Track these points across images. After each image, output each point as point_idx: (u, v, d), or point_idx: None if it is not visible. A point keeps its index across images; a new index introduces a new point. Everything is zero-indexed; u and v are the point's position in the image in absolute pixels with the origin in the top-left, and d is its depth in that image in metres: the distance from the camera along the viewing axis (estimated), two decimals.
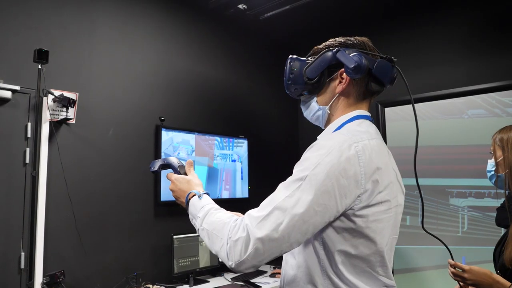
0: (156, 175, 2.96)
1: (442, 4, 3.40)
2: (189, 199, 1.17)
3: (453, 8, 3.36)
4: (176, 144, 3.11)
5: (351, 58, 1.09)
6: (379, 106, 3.64)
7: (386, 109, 3.65)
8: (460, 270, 1.49)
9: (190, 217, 1.14)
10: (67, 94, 2.44)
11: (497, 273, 1.46)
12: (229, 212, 1.11)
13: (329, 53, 1.14)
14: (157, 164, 1.31)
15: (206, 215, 1.08)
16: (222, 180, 3.51)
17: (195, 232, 2.96)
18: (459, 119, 3.30)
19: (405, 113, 3.52)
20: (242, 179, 3.68)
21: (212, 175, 3.42)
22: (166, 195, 2.98)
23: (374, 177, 1.01)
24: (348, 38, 1.18)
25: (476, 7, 3.25)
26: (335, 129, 1.14)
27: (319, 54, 1.17)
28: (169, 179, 1.27)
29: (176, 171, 1.28)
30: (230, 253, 0.96)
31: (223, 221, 1.03)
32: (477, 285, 1.45)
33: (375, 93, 1.17)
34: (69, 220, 2.48)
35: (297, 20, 3.75)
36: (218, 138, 3.48)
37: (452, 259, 1.50)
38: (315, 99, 1.20)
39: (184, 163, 1.31)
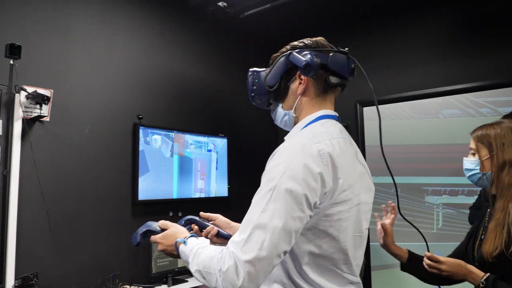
0: (134, 178, 2.92)
1: (421, 5, 3.46)
2: (178, 249, 1.15)
3: (431, 10, 3.42)
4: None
5: (301, 58, 1.12)
6: (358, 105, 3.68)
7: (365, 108, 3.69)
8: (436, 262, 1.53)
9: (186, 264, 1.12)
10: (41, 90, 2.38)
11: (475, 266, 1.49)
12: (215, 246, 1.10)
13: (283, 58, 1.18)
14: (138, 236, 1.32)
15: (194, 256, 1.06)
16: (198, 171, 3.45)
17: None
18: (434, 118, 3.36)
19: (383, 112, 3.57)
20: (217, 169, 3.63)
21: (184, 165, 3.34)
22: (144, 194, 2.94)
23: (337, 175, 1.03)
24: (301, 40, 1.22)
25: (454, 10, 3.32)
26: (300, 129, 1.16)
27: (274, 62, 1.21)
28: (155, 242, 1.27)
29: (157, 232, 1.29)
30: (225, 284, 0.95)
31: (210, 256, 1.01)
32: (452, 275, 1.49)
33: (336, 86, 1.20)
34: (42, 220, 2.42)
35: (278, 19, 3.75)
36: (197, 137, 3.45)
37: (428, 251, 1.54)
38: (280, 105, 1.24)
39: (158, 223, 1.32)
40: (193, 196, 3.36)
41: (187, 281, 2.97)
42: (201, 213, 1.46)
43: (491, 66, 3.10)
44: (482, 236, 1.53)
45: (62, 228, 2.52)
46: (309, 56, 1.12)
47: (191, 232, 1.38)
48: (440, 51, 3.36)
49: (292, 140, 1.08)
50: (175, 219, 3.36)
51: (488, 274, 1.42)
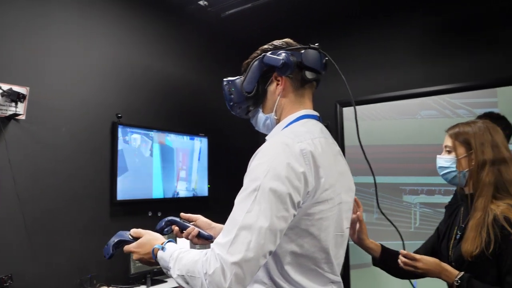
0: (113, 178, 2.88)
1: (400, 8, 3.51)
2: (156, 256, 1.12)
3: (411, 12, 3.48)
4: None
5: (277, 58, 1.14)
6: (338, 105, 3.72)
7: (344, 109, 3.73)
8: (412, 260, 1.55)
9: (165, 271, 1.09)
10: (16, 88, 2.32)
11: (451, 265, 1.52)
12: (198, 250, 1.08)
13: (257, 62, 1.19)
14: (110, 247, 1.28)
15: (176, 261, 1.03)
16: (180, 161, 3.41)
17: None
18: (413, 119, 3.42)
19: (362, 112, 3.61)
20: (199, 160, 3.60)
21: (165, 157, 3.29)
22: (122, 194, 2.90)
23: (319, 175, 1.04)
24: (270, 43, 1.23)
25: (432, 13, 3.38)
26: (281, 129, 1.17)
27: (249, 67, 1.21)
28: (128, 252, 1.23)
29: (130, 241, 1.24)
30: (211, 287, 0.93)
31: (194, 260, 0.99)
32: (427, 273, 1.51)
33: (312, 81, 1.21)
34: (17, 221, 2.36)
35: (259, 19, 3.76)
36: (178, 136, 3.42)
37: (404, 250, 1.56)
38: (260, 110, 1.24)
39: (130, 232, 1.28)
40: (172, 196, 3.33)
41: (166, 281, 2.95)
42: (182, 214, 1.44)
43: (467, 68, 3.17)
44: (458, 236, 1.55)
45: (38, 228, 2.46)
46: (284, 55, 1.13)
47: (171, 233, 1.37)
48: (419, 53, 3.42)
49: (274, 139, 1.08)
50: (154, 219, 3.33)
51: (463, 272, 1.44)
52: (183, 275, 1.00)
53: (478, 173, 1.49)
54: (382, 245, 1.72)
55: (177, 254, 1.05)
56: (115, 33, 3.05)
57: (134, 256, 1.20)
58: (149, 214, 3.17)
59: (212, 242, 1.38)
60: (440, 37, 3.33)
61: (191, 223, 1.42)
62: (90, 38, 2.86)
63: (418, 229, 3.31)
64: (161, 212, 3.24)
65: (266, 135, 1.24)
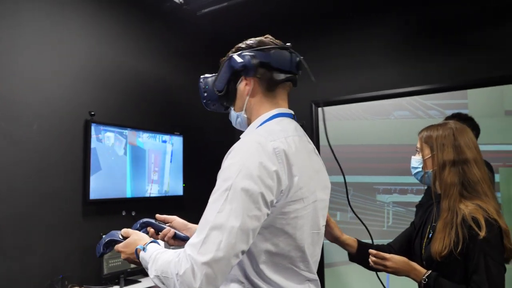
0: (85, 177, 2.82)
1: (375, 9, 3.57)
2: (139, 257, 1.13)
3: (385, 14, 3.54)
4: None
5: (238, 60, 1.16)
6: (313, 105, 3.75)
7: (319, 109, 3.76)
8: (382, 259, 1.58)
9: (146, 271, 1.09)
10: None
11: (422, 264, 1.55)
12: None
13: (227, 62, 1.20)
14: (102, 246, 1.30)
15: (153, 262, 1.04)
16: (152, 163, 3.37)
17: None
18: (386, 119, 3.48)
19: (337, 113, 3.65)
20: (171, 162, 3.56)
21: (137, 158, 3.25)
22: (95, 193, 2.85)
23: (292, 173, 1.04)
24: (245, 41, 1.24)
25: (406, 15, 3.45)
26: (256, 127, 1.17)
27: (221, 65, 1.23)
28: (118, 251, 1.24)
29: (120, 241, 1.25)
30: None
31: (167, 260, 1.00)
32: (397, 272, 1.55)
33: (285, 82, 1.21)
34: None
35: (235, 18, 3.75)
36: (152, 135, 3.38)
37: (373, 249, 1.60)
38: (232, 108, 1.26)
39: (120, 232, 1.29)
40: (146, 195, 3.29)
41: (140, 281, 2.91)
42: (157, 215, 1.44)
43: (439, 70, 3.25)
44: (430, 235, 1.59)
45: (7, 229, 2.38)
46: (247, 57, 1.14)
47: (148, 235, 1.35)
48: (393, 55, 3.48)
49: (247, 138, 1.08)
50: (128, 219, 3.28)
51: (430, 271, 1.48)
52: (158, 276, 1.01)
53: (440, 173, 1.54)
54: (358, 240, 1.75)
55: (155, 255, 1.05)
56: (88, 29, 2.99)
57: (122, 256, 1.22)
58: (123, 214, 3.12)
59: (183, 240, 1.38)
60: (414, 39, 3.41)
61: (167, 225, 1.41)
62: (62, 35, 2.79)
63: (391, 227, 3.37)
64: (135, 212, 3.19)
65: (242, 132, 1.24)
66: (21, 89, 2.52)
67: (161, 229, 1.37)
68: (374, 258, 1.58)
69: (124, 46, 3.27)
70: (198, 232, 0.97)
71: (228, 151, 1.06)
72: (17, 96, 2.50)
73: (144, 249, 1.11)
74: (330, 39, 3.75)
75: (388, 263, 1.55)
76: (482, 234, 1.36)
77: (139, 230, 1.36)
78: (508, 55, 3.00)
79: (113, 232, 1.29)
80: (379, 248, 1.72)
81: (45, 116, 2.64)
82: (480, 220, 1.39)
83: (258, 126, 1.16)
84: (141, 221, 1.38)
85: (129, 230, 1.27)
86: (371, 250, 1.59)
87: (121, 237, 1.26)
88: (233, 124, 1.29)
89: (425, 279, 1.47)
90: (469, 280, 1.40)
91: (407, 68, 3.40)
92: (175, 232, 1.37)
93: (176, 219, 1.44)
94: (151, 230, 1.38)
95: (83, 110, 2.87)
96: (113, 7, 3.19)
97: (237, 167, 0.99)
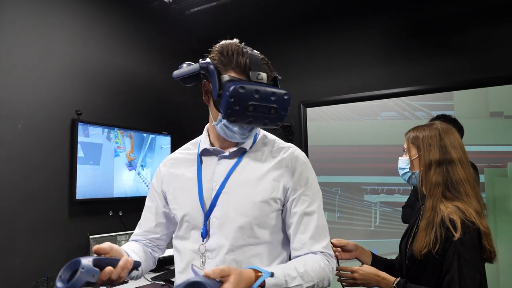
0: (72, 176, 2.79)
1: (361, 10, 3.59)
2: (265, 285, 1.04)
3: (371, 15, 3.56)
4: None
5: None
6: (301, 106, 3.76)
7: (308, 109, 3.77)
8: (349, 273, 1.58)
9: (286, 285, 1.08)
10: None
11: (405, 264, 1.57)
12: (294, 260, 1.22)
13: (279, 80, 1.33)
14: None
15: (302, 277, 1.13)
16: (136, 163, 3.38)
17: (113, 232, 2.85)
18: (373, 120, 3.51)
19: (325, 113, 3.67)
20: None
21: (124, 157, 3.28)
22: (82, 193, 2.82)
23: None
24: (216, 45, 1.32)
25: (393, 16, 3.47)
26: (263, 135, 1.42)
27: (278, 82, 1.34)
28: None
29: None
30: (332, 276, 1.25)
31: (318, 268, 1.18)
32: (367, 284, 1.55)
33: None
34: None
35: (223, 17, 3.74)
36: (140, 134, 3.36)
37: (338, 265, 1.59)
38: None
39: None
40: (134, 195, 3.26)
41: (126, 281, 2.88)
42: (94, 247, 1.09)
43: (426, 71, 3.28)
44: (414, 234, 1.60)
45: None
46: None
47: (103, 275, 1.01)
48: (380, 57, 3.50)
49: (297, 149, 1.34)
50: (115, 219, 3.25)
51: (399, 278, 1.50)
52: (314, 284, 1.16)
53: (426, 173, 1.55)
54: (373, 254, 1.76)
55: (298, 272, 1.12)
56: (75, 27, 2.95)
57: None
58: (110, 214, 3.09)
59: (137, 269, 1.16)
60: (401, 41, 3.44)
61: (107, 255, 1.09)
62: (48, 33, 2.75)
63: (378, 227, 3.40)
64: (122, 212, 3.17)
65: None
66: (6, 87, 2.49)
67: (116, 262, 1.05)
68: (341, 272, 1.60)
69: (111, 45, 3.24)
70: (324, 236, 1.26)
71: (301, 160, 1.29)
72: (2, 94, 2.46)
73: (272, 275, 1.04)
74: (317, 40, 3.76)
75: (356, 275, 1.56)
76: (457, 235, 1.38)
77: (96, 273, 0.98)
78: (493, 57, 3.04)
79: (199, 277, 0.93)
80: (390, 263, 1.73)
81: (30, 115, 2.61)
82: (456, 222, 1.40)
83: (264, 134, 1.42)
84: (87, 265, 0.96)
85: (224, 268, 0.97)
86: (336, 266, 1.58)
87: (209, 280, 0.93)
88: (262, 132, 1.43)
89: (394, 286, 1.48)
90: (442, 280, 1.42)
91: (394, 70, 3.43)
92: (133, 260, 1.10)
93: (113, 247, 1.13)
94: (109, 268, 1.02)
95: (70, 109, 2.84)
96: (100, 6, 3.16)
97: (316, 181, 1.32)
